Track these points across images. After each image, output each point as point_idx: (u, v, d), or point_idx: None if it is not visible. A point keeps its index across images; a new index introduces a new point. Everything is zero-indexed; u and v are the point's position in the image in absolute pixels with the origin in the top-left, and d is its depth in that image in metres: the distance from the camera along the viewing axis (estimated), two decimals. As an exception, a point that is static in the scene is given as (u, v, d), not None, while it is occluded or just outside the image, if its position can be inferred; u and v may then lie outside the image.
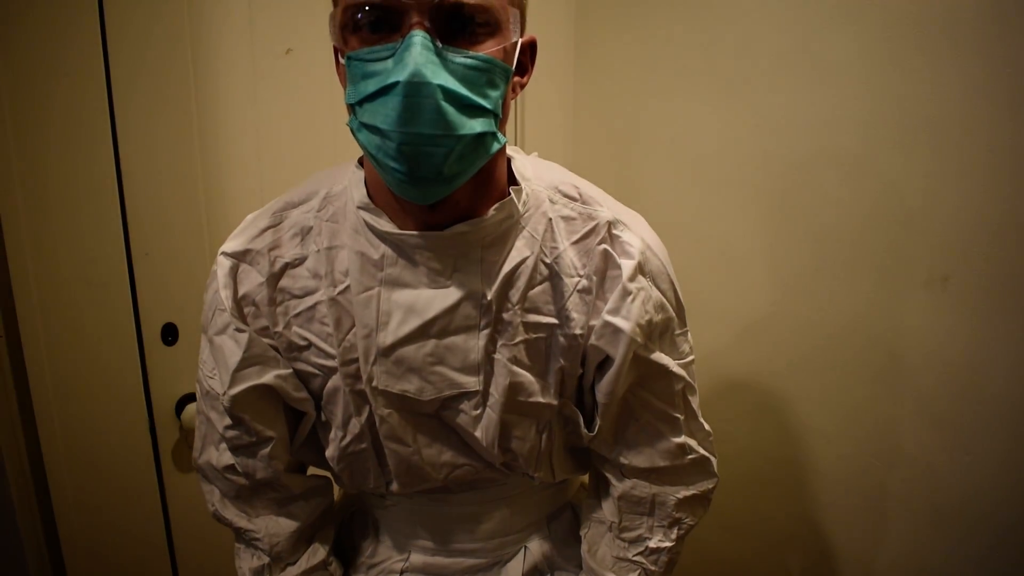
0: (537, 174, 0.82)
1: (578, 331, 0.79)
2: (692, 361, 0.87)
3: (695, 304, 1.45)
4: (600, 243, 0.79)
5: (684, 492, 0.88)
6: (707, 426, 0.89)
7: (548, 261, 0.79)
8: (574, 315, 0.79)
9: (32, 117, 1.12)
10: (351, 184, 0.79)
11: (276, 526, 0.86)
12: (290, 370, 0.81)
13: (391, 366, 0.77)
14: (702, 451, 0.88)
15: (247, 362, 0.79)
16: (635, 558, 0.89)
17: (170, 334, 1.29)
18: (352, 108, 0.68)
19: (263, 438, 0.82)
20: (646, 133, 1.44)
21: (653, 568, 0.88)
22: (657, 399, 0.84)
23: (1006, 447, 1.01)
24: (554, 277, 0.79)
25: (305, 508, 0.88)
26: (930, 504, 1.10)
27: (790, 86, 1.17)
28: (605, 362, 0.81)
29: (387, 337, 0.76)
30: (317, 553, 0.89)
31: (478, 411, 0.79)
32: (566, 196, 0.82)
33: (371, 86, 0.64)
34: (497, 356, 0.78)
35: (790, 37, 1.16)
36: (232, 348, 0.79)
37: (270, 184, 1.34)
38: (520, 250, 0.78)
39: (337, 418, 0.82)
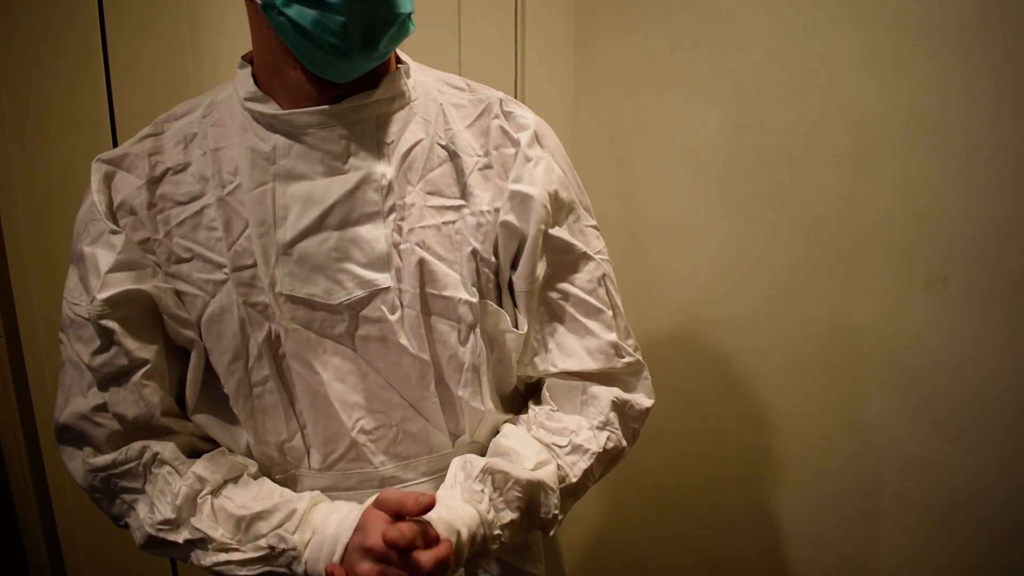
0: (423, 70, 0.81)
1: (485, 207, 0.76)
2: (608, 261, 0.83)
3: (695, 304, 1.45)
4: (494, 119, 0.78)
5: (619, 394, 0.81)
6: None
7: (444, 143, 0.76)
8: (478, 192, 0.76)
9: (32, 117, 1.12)
10: (236, 84, 0.75)
11: (166, 438, 0.76)
12: (171, 286, 0.74)
13: (294, 266, 0.72)
14: (638, 356, 0.83)
15: (122, 265, 0.72)
16: (554, 446, 0.79)
17: (170, 334, 1.29)
18: None
19: (136, 360, 0.73)
20: (646, 133, 1.44)
21: (567, 472, 0.78)
22: (579, 289, 0.80)
23: (1006, 447, 1.01)
24: (453, 158, 0.76)
25: (200, 443, 0.79)
26: (930, 504, 1.10)
27: (790, 86, 1.17)
28: (519, 247, 0.77)
29: (286, 232, 0.72)
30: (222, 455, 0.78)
31: (396, 314, 0.74)
32: (454, 87, 0.81)
33: None
34: (404, 245, 0.74)
35: (790, 36, 1.16)
36: (105, 253, 0.72)
37: (270, 184, 1.34)
38: (414, 132, 0.75)
39: (227, 347, 0.74)
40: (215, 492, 0.74)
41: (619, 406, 0.81)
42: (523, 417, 0.83)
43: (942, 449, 1.08)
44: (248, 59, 0.77)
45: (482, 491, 0.73)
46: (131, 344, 0.72)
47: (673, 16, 1.35)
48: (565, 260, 0.79)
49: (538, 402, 0.84)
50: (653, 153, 1.44)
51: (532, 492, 0.75)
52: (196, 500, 0.73)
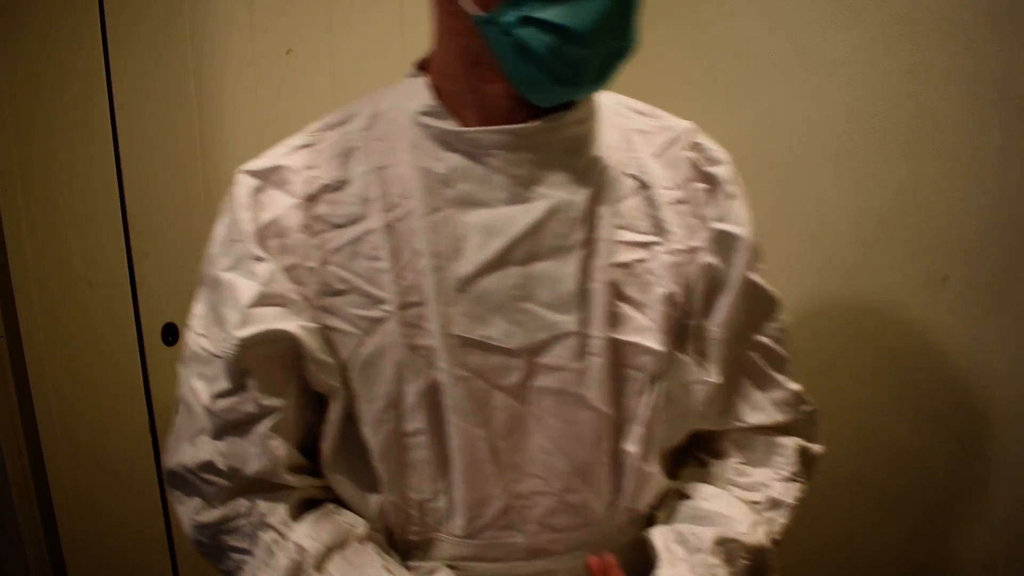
0: (601, 92, 0.71)
1: (680, 246, 0.67)
2: None
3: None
4: (683, 150, 0.70)
5: (802, 443, 0.75)
6: None
7: (632, 172, 0.68)
8: (674, 229, 0.67)
9: (33, 118, 1.12)
10: (405, 96, 0.66)
11: (275, 495, 0.67)
12: (318, 325, 0.64)
13: (470, 305, 0.63)
14: (814, 402, 0.76)
15: (266, 299, 0.62)
16: (753, 503, 0.71)
17: (170, 334, 1.29)
18: (507, 3, 0.57)
19: (265, 409, 0.63)
20: (646, 133, 1.44)
21: (771, 530, 0.71)
22: (769, 338, 0.73)
23: (1006, 447, 1.01)
24: (643, 189, 0.68)
25: (309, 495, 0.70)
26: (929, 503, 1.10)
27: (789, 86, 1.17)
28: (716, 288, 0.68)
29: (464, 266, 0.62)
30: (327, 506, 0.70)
31: (581, 362, 0.64)
32: (637, 111, 0.73)
33: None
34: (594, 284, 0.64)
35: (790, 37, 1.16)
36: (247, 283, 0.62)
37: (270, 184, 1.34)
38: (602, 159, 0.66)
39: (379, 393, 0.64)
40: (320, 564, 0.64)
41: (804, 455, 0.75)
42: (708, 472, 0.75)
43: (942, 449, 1.08)
44: (421, 66, 0.68)
45: (718, 565, 0.65)
46: (263, 390, 0.63)
47: (673, 16, 1.35)
48: (760, 307, 0.72)
49: (714, 455, 0.76)
50: (653, 153, 1.44)
51: (759, 559, 0.69)
52: (299, 574, 0.64)
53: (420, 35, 1.56)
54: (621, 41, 0.59)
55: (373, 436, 0.65)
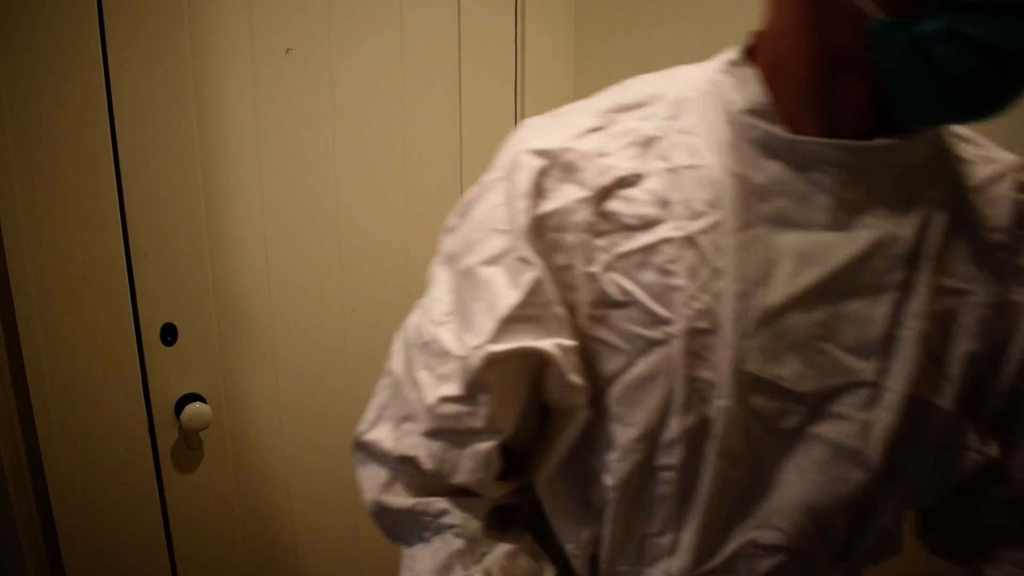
0: None
1: (996, 299, 0.58)
2: None
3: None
4: (1008, 190, 0.60)
5: None
6: None
7: (953, 207, 0.58)
8: (992, 278, 0.58)
9: (31, 117, 1.11)
10: (725, 86, 0.58)
11: (468, 501, 0.62)
12: (576, 343, 0.57)
13: (769, 340, 0.55)
14: None
15: (525, 312, 0.55)
16: None
17: (169, 334, 1.29)
18: (934, 6, 0.47)
19: (492, 428, 0.57)
20: (646, 133, 1.44)
21: None
22: None
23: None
24: (962, 228, 0.58)
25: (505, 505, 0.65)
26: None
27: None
28: None
29: (771, 295, 0.55)
30: (524, 537, 0.65)
31: (866, 413, 0.56)
32: (959, 137, 0.63)
33: None
34: (903, 332, 0.56)
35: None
36: (507, 286, 0.55)
37: (270, 184, 1.34)
38: (930, 191, 0.57)
39: (638, 421, 0.57)
40: None
41: None
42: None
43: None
44: (749, 52, 0.60)
45: None
46: (495, 409, 0.57)
47: (673, 16, 1.35)
48: None
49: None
50: (653, 154, 1.43)
51: None
52: None
53: (420, 35, 1.56)
54: None
55: (617, 463, 0.59)
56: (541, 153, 0.57)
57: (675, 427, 0.56)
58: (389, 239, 1.48)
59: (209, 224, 1.30)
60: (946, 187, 0.59)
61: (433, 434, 0.59)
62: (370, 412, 0.65)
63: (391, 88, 1.41)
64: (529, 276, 0.55)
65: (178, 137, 1.24)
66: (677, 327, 0.55)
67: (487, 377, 0.56)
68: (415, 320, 0.62)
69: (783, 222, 0.55)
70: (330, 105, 1.36)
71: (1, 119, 1.09)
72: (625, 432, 0.58)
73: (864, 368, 0.56)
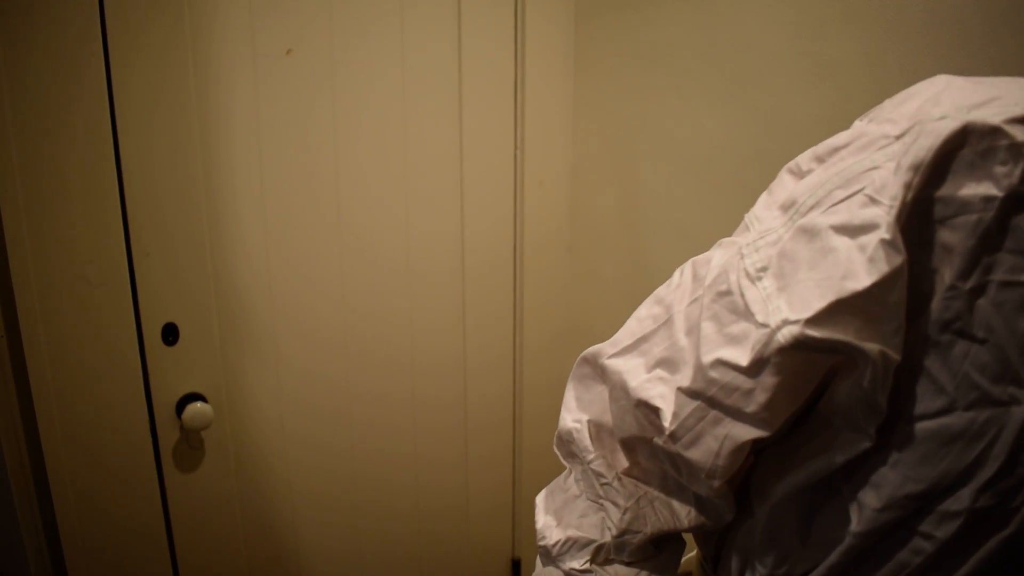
0: None
1: None
2: None
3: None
4: None
5: None
6: None
7: None
8: None
9: (33, 117, 1.12)
10: None
11: (643, 513, 0.57)
12: (899, 359, 0.46)
13: None
14: None
15: (867, 303, 0.45)
16: None
17: (170, 334, 1.29)
18: None
19: (758, 420, 0.49)
20: (646, 133, 1.44)
21: None
22: None
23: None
24: None
25: (691, 515, 0.59)
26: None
27: (790, 86, 1.17)
28: None
29: None
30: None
31: None
32: None
33: None
34: None
35: (790, 37, 1.16)
36: (859, 266, 0.44)
37: (271, 184, 1.34)
38: None
39: (926, 477, 0.47)
40: None
41: None
42: None
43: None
44: None
45: None
46: (775, 399, 0.48)
47: (673, 16, 1.35)
48: None
49: None
50: (653, 153, 1.44)
51: None
52: None
53: (420, 35, 1.56)
54: None
55: (876, 512, 0.49)
56: (963, 124, 0.44)
57: (964, 500, 0.46)
58: (390, 239, 1.48)
59: (210, 224, 1.30)
60: None
61: (692, 394, 0.50)
62: (623, 336, 0.56)
63: (392, 88, 1.41)
64: (888, 267, 0.44)
65: (180, 137, 1.24)
66: None
67: (784, 360, 0.46)
68: (720, 259, 0.52)
69: None
70: (331, 105, 1.36)
71: (4, 119, 1.09)
72: (902, 486, 0.47)
73: None
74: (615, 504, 0.57)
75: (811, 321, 0.45)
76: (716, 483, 0.52)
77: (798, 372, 0.48)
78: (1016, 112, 0.44)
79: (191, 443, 1.34)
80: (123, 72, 1.18)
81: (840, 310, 0.45)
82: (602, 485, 0.57)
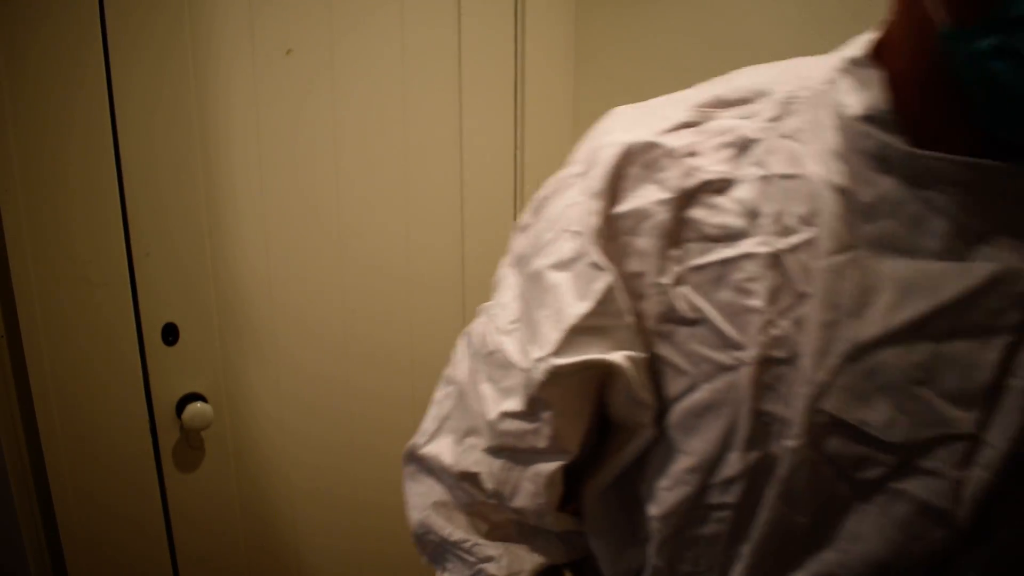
0: None
1: None
2: None
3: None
4: None
5: None
6: None
7: None
8: None
9: (33, 117, 1.12)
10: (841, 88, 0.51)
11: (517, 555, 0.58)
12: (647, 354, 0.52)
13: (859, 378, 0.48)
14: None
15: (594, 322, 0.51)
16: None
17: (171, 334, 1.29)
18: (992, 20, 0.42)
19: (556, 449, 0.53)
20: (646, 133, 1.44)
21: None
22: None
23: (1006, 447, 1.01)
24: None
25: (560, 549, 0.60)
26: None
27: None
28: None
29: (866, 328, 0.48)
30: None
31: (959, 471, 0.49)
32: None
33: None
34: (1014, 381, 0.48)
35: (791, 37, 1.16)
36: (575, 294, 0.51)
37: (271, 184, 1.34)
38: None
39: (693, 450, 0.52)
40: None
41: None
42: None
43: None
44: (876, 50, 0.52)
45: None
46: (559, 427, 0.53)
47: (674, 16, 1.35)
48: None
49: None
50: (653, 153, 1.44)
51: None
52: None
53: (420, 35, 1.56)
54: None
55: (666, 492, 0.53)
56: (623, 147, 0.52)
57: (735, 463, 0.50)
58: (390, 239, 1.48)
59: (211, 224, 1.30)
60: None
61: (495, 451, 0.55)
62: (428, 423, 0.61)
63: (392, 89, 1.41)
64: (600, 284, 0.50)
65: (180, 137, 1.24)
66: (749, 353, 0.49)
67: (550, 392, 0.52)
68: (480, 327, 0.58)
69: (888, 246, 0.48)
70: (331, 106, 1.36)
71: (4, 119, 1.09)
72: (678, 461, 0.53)
73: (964, 419, 0.48)
74: (489, 559, 0.59)
75: (556, 353, 0.50)
76: (549, 519, 0.56)
77: (568, 398, 0.53)
78: (664, 125, 0.53)
79: (191, 443, 1.34)
80: (123, 72, 1.18)
81: (575, 334, 0.51)
82: (471, 550, 0.59)
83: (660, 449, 0.54)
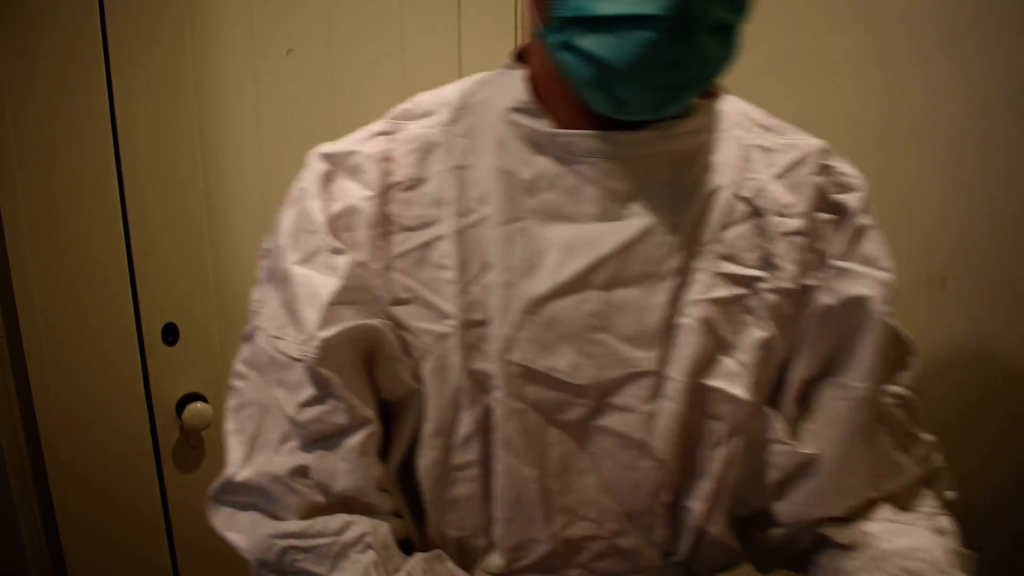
0: (726, 99, 0.64)
1: (789, 284, 0.58)
2: None
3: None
4: (811, 175, 0.60)
5: (937, 490, 0.65)
6: None
7: (746, 195, 0.58)
8: (784, 264, 0.58)
9: (33, 117, 1.12)
10: (499, 89, 0.60)
11: (366, 519, 0.59)
12: (393, 323, 0.58)
13: (540, 330, 0.56)
14: (942, 454, 0.67)
15: (347, 294, 0.56)
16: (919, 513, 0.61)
17: (171, 334, 1.29)
18: (554, 19, 0.51)
19: (358, 419, 0.57)
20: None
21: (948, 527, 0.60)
22: (909, 390, 0.62)
23: (1006, 447, 1.01)
24: (755, 216, 0.59)
25: (397, 523, 0.61)
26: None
27: (791, 86, 1.17)
28: (838, 336, 0.59)
29: (538, 285, 0.56)
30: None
31: (652, 405, 0.57)
32: (761, 126, 0.64)
33: (607, 6, 0.47)
34: (683, 320, 0.56)
35: (791, 37, 1.16)
36: (326, 278, 0.56)
37: (270, 184, 1.34)
38: (712, 178, 0.58)
39: (432, 416, 0.59)
40: None
41: (941, 501, 0.66)
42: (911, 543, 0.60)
43: (941, 449, 1.08)
44: (520, 56, 0.62)
45: None
46: (353, 398, 0.56)
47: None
48: (896, 356, 0.62)
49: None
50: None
51: None
52: None
53: (420, 35, 1.56)
54: (679, 74, 0.50)
55: (421, 460, 0.60)
56: (327, 157, 0.61)
57: (467, 423, 0.57)
58: (390, 239, 1.48)
59: (210, 224, 1.30)
60: (741, 174, 0.59)
61: (307, 446, 0.58)
62: (235, 453, 0.62)
63: (392, 89, 1.41)
64: (342, 261, 0.56)
65: (179, 138, 1.24)
66: (454, 320, 0.57)
67: (329, 366, 0.55)
68: (250, 348, 0.61)
69: (552, 215, 0.56)
70: (331, 106, 1.36)
71: (4, 120, 1.09)
72: (424, 428, 0.59)
73: (645, 358, 0.56)
74: (346, 525, 0.58)
75: (320, 328, 0.55)
76: (373, 496, 0.58)
77: (349, 369, 0.57)
78: (362, 135, 0.63)
79: (191, 443, 1.34)
80: (123, 73, 1.18)
81: (333, 308, 0.55)
82: (322, 531, 0.58)
83: (413, 423, 0.60)
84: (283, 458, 0.58)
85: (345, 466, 0.57)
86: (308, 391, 0.56)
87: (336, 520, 0.57)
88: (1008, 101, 0.94)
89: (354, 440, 0.57)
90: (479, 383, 0.57)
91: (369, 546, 0.56)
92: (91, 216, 1.19)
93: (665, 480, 0.59)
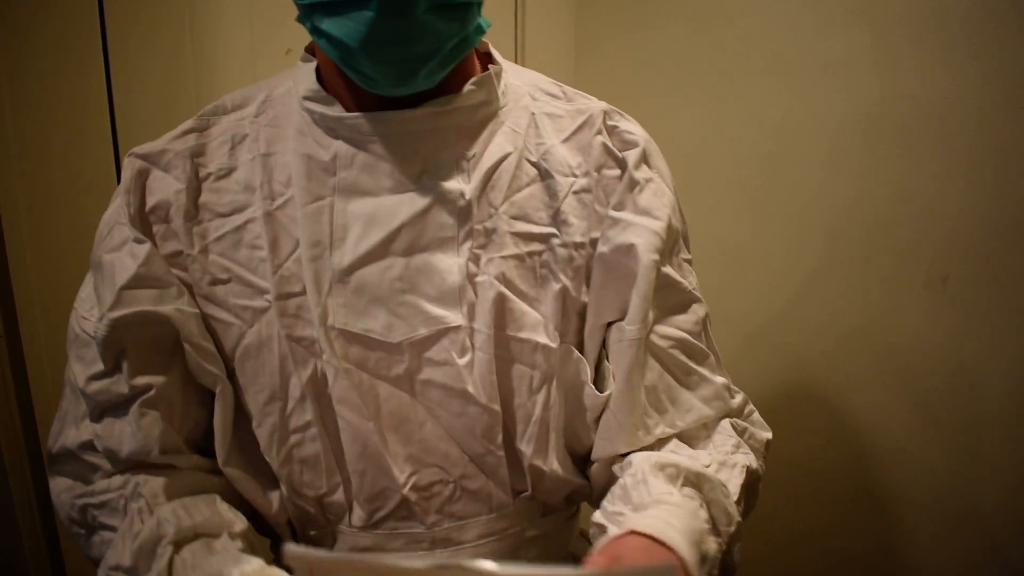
0: (515, 71, 0.71)
1: (579, 238, 0.64)
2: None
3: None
4: (596, 135, 0.66)
5: (736, 422, 0.69)
6: None
7: (535, 159, 0.65)
8: (572, 220, 0.64)
9: (33, 116, 1.12)
10: (296, 80, 0.66)
11: (159, 481, 0.63)
12: (196, 310, 0.64)
13: (350, 297, 0.61)
14: (741, 392, 0.71)
15: (141, 280, 0.61)
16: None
17: (170, 334, 1.29)
18: (300, 6, 0.57)
19: (137, 388, 0.62)
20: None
21: (729, 487, 0.62)
22: (687, 333, 0.67)
23: (1006, 447, 1.01)
24: (544, 177, 0.65)
25: (210, 481, 0.66)
26: (928, 504, 1.10)
27: (790, 86, 1.17)
28: (619, 287, 0.64)
29: (343, 257, 0.62)
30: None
31: (466, 357, 0.62)
32: (549, 94, 0.69)
33: None
34: (481, 277, 0.62)
35: (790, 36, 1.16)
36: (124, 264, 0.62)
37: (270, 184, 1.34)
38: (501, 145, 0.64)
39: (264, 385, 0.63)
40: (179, 544, 0.58)
41: (740, 432, 0.69)
42: (644, 455, 0.64)
43: (942, 449, 1.08)
44: (312, 50, 0.67)
45: (693, 500, 0.59)
46: (136, 371, 0.62)
47: (674, 16, 1.35)
48: (672, 302, 0.67)
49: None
50: (653, 153, 1.44)
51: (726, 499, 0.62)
52: (156, 550, 0.58)
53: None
54: (409, 48, 0.54)
55: (259, 430, 0.65)
56: (141, 156, 0.66)
57: (296, 386, 0.62)
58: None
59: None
60: (530, 140, 0.65)
61: (96, 416, 0.63)
62: (55, 424, 0.68)
63: (391, 88, 1.41)
64: (141, 249, 0.62)
65: (179, 137, 1.24)
66: (271, 295, 0.62)
67: (119, 345, 0.61)
68: (70, 325, 0.66)
69: (353, 191, 0.62)
70: (331, 105, 1.36)
71: (4, 120, 1.09)
72: (256, 398, 0.64)
73: (451, 315, 0.62)
74: (136, 485, 0.65)
75: (111, 308, 0.60)
76: (157, 457, 0.63)
77: (139, 347, 0.62)
78: (174, 135, 0.68)
79: (191, 443, 1.34)
80: (122, 72, 1.18)
81: (127, 291, 0.61)
82: (118, 488, 0.65)
83: (243, 397, 0.65)
84: (79, 433, 0.65)
85: (128, 429, 0.62)
86: (98, 366, 0.62)
87: (118, 478, 0.64)
88: (1007, 100, 0.94)
89: (135, 406, 0.62)
90: (307, 348, 0.62)
91: (140, 495, 0.62)
92: (91, 216, 1.18)
93: (494, 424, 0.64)
